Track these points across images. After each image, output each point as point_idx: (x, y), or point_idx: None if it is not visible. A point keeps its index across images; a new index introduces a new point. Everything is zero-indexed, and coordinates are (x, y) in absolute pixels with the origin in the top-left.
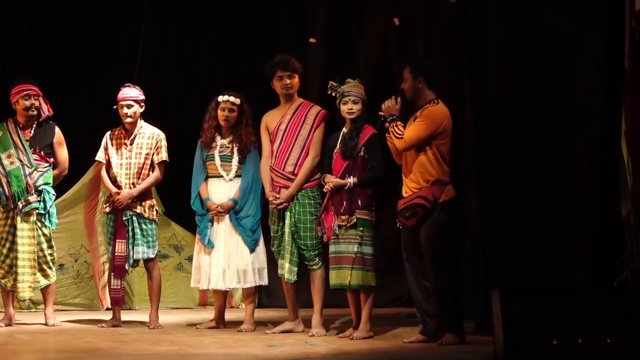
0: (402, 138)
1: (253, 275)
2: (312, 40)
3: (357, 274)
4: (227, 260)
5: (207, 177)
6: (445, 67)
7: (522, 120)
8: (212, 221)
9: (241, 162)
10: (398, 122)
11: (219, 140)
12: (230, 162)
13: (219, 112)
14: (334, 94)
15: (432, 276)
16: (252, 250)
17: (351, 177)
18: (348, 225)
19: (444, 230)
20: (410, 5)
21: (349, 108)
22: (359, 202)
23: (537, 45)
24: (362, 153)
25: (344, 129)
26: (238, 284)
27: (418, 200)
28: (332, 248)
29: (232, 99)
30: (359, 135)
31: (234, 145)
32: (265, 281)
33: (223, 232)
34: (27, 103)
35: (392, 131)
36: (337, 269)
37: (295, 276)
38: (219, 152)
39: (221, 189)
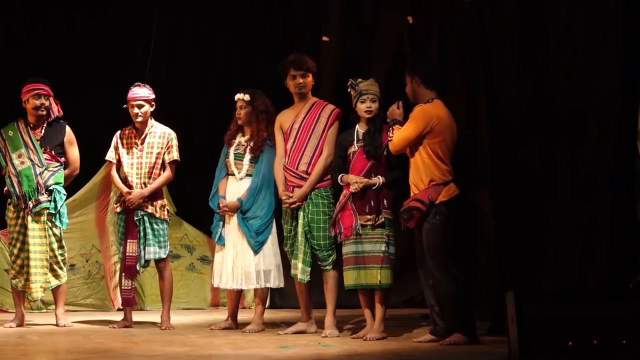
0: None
1: (257, 278)
2: (325, 38)
3: (386, 273)
4: (235, 260)
5: (228, 175)
6: (460, 67)
7: (537, 121)
8: (224, 219)
9: (253, 161)
10: (396, 126)
11: (238, 138)
12: (242, 160)
13: (236, 111)
14: (353, 92)
15: (433, 276)
16: (256, 252)
17: (378, 177)
18: (375, 224)
19: (441, 232)
20: (424, 4)
21: (368, 107)
22: (385, 201)
23: (553, 46)
24: (385, 152)
25: (359, 128)
26: (240, 285)
27: (413, 203)
28: (351, 248)
29: (240, 95)
30: (381, 135)
31: (249, 143)
32: (273, 283)
33: (232, 231)
34: (37, 102)
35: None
36: (360, 269)
37: (309, 276)
38: (234, 150)
39: (233, 188)
